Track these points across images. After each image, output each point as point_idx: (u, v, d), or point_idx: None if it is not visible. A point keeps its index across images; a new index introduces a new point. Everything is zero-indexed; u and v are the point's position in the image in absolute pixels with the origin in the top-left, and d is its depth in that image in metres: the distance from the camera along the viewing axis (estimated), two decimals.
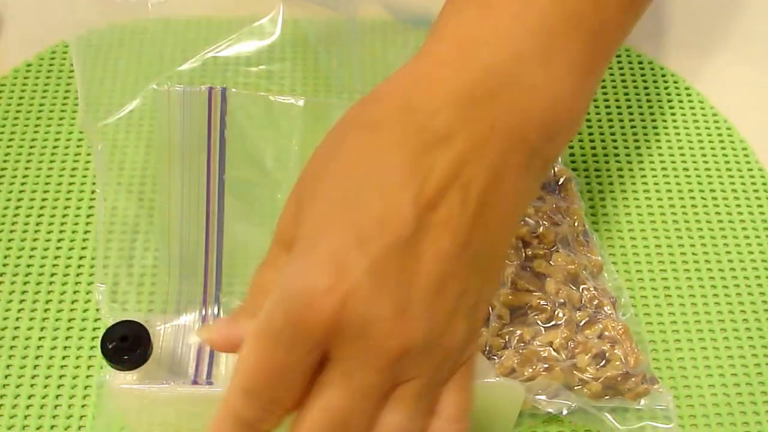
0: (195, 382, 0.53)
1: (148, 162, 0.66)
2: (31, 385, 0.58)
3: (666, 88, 0.73)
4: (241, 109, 0.61)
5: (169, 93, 0.60)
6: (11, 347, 0.60)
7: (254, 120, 0.62)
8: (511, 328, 0.57)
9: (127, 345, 0.50)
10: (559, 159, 0.65)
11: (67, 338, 0.60)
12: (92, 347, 0.60)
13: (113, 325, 0.50)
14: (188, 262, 0.59)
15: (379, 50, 0.73)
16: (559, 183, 0.64)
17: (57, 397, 0.58)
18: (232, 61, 0.70)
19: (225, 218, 0.59)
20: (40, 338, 0.60)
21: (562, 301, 0.58)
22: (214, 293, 0.58)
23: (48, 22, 0.74)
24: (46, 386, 0.58)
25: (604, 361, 0.56)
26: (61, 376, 0.59)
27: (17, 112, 0.70)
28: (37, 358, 0.59)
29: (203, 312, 0.57)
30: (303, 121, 0.62)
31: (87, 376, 0.59)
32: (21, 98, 0.70)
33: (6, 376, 0.59)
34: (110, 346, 0.50)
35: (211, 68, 0.69)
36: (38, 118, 0.69)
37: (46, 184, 0.66)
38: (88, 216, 0.65)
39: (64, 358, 0.59)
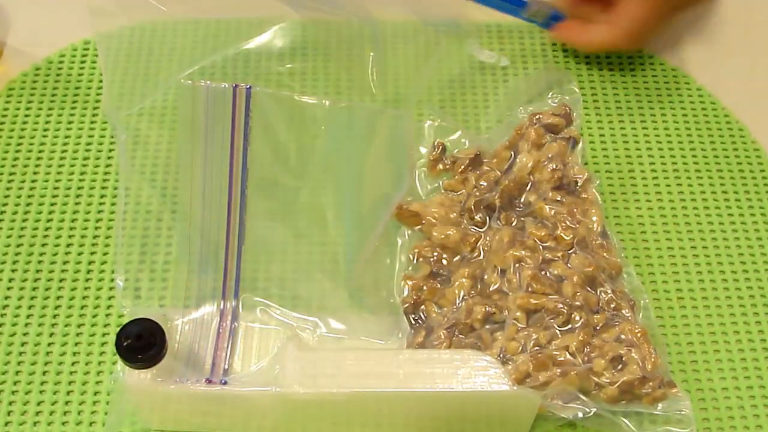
0: (209, 381, 0.53)
1: (171, 153, 0.66)
2: (43, 373, 0.59)
3: (678, 90, 0.73)
4: (266, 107, 0.61)
5: (194, 88, 0.60)
6: (23, 339, 0.60)
7: (279, 119, 0.62)
8: (527, 332, 0.56)
9: (142, 343, 0.50)
10: (579, 159, 0.65)
11: (78, 326, 0.60)
12: (104, 334, 0.60)
13: (129, 323, 0.51)
14: (208, 257, 0.59)
15: (401, 55, 0.73)
16: (578, 184, 0.64)
17: (69, 383, 0.58)
18: (257, 59, 0.70)
19: (247, 215, 0.60)
20: (52, 325, 0.60)
21: (578, 304, 0.57)
22: (233, 288, 0.58)
23: (56, 26, 0.74)
24: (58, 374, 0.59)
25: (621, 365, 0.56)
26: (73, 363, 0.59)
27: (26, 116, 0.70)
28: (49, 345, 0.60)
29: (222, 306, 0.58)
30: (328, 122, 0.63)
31: (99, 362, 0.59)
32: (30, 102, 0.70)
33: (19, 363, 0.59)
34: (125, 344, 0.50)
35: (236, 65, 0.70)
36: (47, 122, 0.69)
37: (55, 188, 0.66)
38: (97, 220, 0.65)
39: (76, 344, 0.60)
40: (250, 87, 0.61)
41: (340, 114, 0.63)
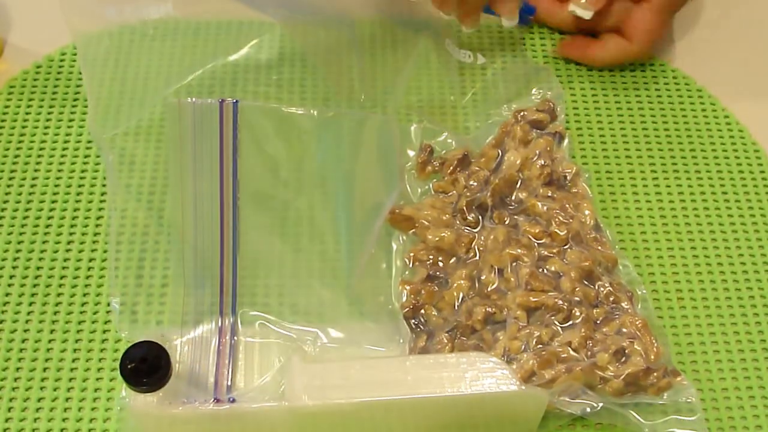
0: (217, 400, 0.53)
1: (160, 172, 0.66)
2: (44, 369, 0.58)
3: (678, 91, 0.73)
4: (254, 120, 0.62)
5: (180, 105, 0.60)
6: (23, 336, 0.60)
7: (267, 132, 0.62)
8: (529, 330, 0.56)
9: (147, 367, 0.50)
10: (566, 155, 0.66)
11: (79, 322, 0.60)
12: (105, 331, 0.60)
13: (132, 346, 0.50)
14: (203, 274, 0.59)
15: (379, 60, 0.73)
16: (568, 179, 0.64)
17: (70, 380, 0.58)
18: (243, 70, 0.71)
19: (241, 229, 0.59)
20: (52, 322, 0.60)
21: (578, 299, 0.57)
22: (230, 304, 0.58)
23: (57, 24, 0.74)
24: (58, 370, 0.59)
25: (624, 358, 0.56)
26: (74, 359, 0.59)
27: (26, 114, 0.69)
28: (49, 341, 0.60)
29: (220, 323, 0.57)
30: (316, 132, 0.63)
31: (99, 359, 0.59)
32: (30, 100, 0.70)
33: (19, 359, 0.59)
34: (130, 368, 0.50)
35: (222, 78, 0.70)
36: (48, 120, 0.69)
37: (56, 186, 0.66)
38: (98, 218, 0.65)
39: (76, 341, 0.60)
40: (236, 101, 0.61)
41: (328, 123, 0.63)
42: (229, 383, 0.55)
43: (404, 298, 0.60)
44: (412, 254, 0.62)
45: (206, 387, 0.54)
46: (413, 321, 0.59)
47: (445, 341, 0.57)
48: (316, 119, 0.63)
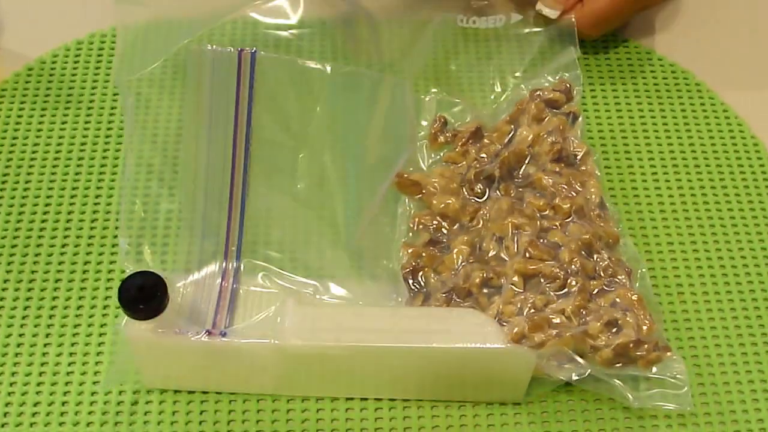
0: (209, 332, 0.53)
1: (178, 117, 0.67)
2: (39, 374, 0.58)
3: (677, 85, 0.73)
4: (270, 71, 0.62)
5: (200, 53, 0.61)
6: (18, 341, 0.59)
7: (282, 83, 0.63)
8: (524, 296, 0.56)
9: (144, 295, 0.50)
10: (579, 133, 0.66)
11: (75, 326, 0.60)
12: (101, 334, 0.60)
13: (131, 275, 0.51)
14: (211, 220, 0.59)
15: (399, 30, 0.73)
16: (578, 157, 0.64)
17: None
18: (264, 25, 0.70)
19: (251, 179, 0.60)
20: (48, 326, 0.60)
21: (575, 269, 0.57)
22: (235, 252, 0.59)
23: (48, 26, 0.74)
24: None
25: (616, 329, 0.56)
26: (69, 363, 0.58)
27: (19, 117, 0.69)
28: (45, 345, 0.59)
29: (223, 267, 0.58)
30: (330, 87, 0.63)
31: (95, 371, 0.58)
32: (23, 102, 0.70)
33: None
34: (126, 295, 0.50)
35: (242, 30, 0.71)
36: (40, 123, 0.69)
37: (50, 189, 0.65)
38: (92, 221, 0.64)
39: (72, 344, 0.59)
40: (255, 51, 0.61)
41: (342, 79, 0.64)
42: (227, 324, 0.55)
43: (405, 260, 0.60)
44: (416, 219, 0.62)
45: (204, 324, 0.55)
46: (412, 282, 0.59)
47: (441, 302, 0.57)
48: (331, 75, 0.63)
